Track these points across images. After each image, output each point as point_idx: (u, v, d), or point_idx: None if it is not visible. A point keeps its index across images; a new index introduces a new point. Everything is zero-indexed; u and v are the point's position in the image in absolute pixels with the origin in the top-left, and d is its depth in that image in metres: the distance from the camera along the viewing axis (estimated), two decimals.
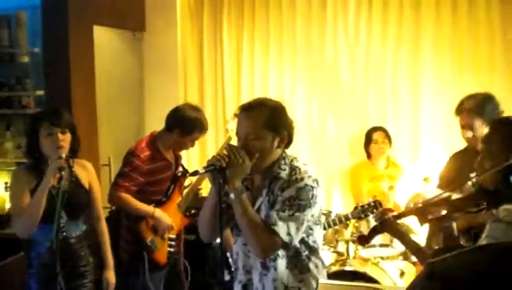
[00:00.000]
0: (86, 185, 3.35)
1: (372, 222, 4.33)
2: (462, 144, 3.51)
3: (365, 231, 4.40)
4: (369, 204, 4.11)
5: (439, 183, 3.67)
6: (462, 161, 3.44)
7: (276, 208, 2.40)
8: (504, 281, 1.30)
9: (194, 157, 5.62)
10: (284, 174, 2.47)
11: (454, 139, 4.20)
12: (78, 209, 3.27)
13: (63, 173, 3.07)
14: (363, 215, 4.13)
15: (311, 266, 2.53)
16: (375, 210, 4.07)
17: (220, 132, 5.53)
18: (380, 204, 4.08)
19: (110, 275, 3.49)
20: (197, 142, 3.98)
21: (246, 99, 5.43)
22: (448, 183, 3.51)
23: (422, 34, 5.16)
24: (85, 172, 3.37)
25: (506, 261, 1.35)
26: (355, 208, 4.19)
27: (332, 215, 4.30)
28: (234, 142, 3.48)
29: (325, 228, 4.15)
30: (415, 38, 5.18)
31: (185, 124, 3.78)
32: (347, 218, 4.19)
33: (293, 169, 2.47)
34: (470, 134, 3.27)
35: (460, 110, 3.33)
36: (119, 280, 3.53)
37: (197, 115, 3.83)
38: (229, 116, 5.09)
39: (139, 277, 3.82)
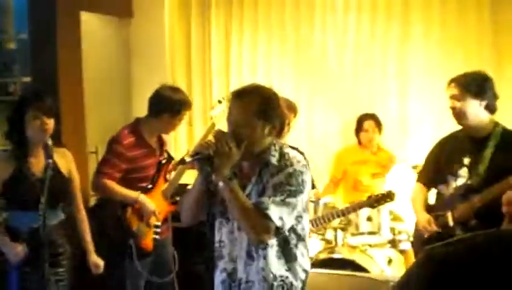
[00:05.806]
0: (65, 174, 3.33)
1: (364, 211, 4.34)
2: (451, 130, 3.52)
3: (353, 219, 4.39)
4: (383, 194, 4.09)
5: (424, 167, 3.66)
6: (452, 145, 3.45)
7: (268, 194, 2.38)
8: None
9: (182, 143, 5.57)
10: (273, 160, 2.45)
11: (443, 126, 4.22)
12: (56, 198, 3.23)
13: (50, 161, 3.07)
14: (375, 205, 4.10)
15: (298, 254, 2.52)
16: (388, 200, 4.06)
17: (208, 119, 5.49)
18: (394, 195, 4.08)
19: (95, 259, 3.49)
20: (184, 131, 3.94)
21: (234, 86, 5.40)
22: (436, 168, 3.52)
23: (411, 18, 5.16)
24: (64, 160, 3.34)
25: None
26: (369, 197, 4.14)
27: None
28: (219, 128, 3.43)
29: (338, 216, 4.15)
30: (404, 23, 5.18)
31: (174, 106, 3.76)
32: (360, 206, 4.14)
33: (282, 155, 2.46)
34: (456, 104, 3.28)
35: (451, 81, 3.35)
36: (104, 267, 3.52)
37: (180, 94, 3.86)
38: None
39: (125, 264, 3.79)
